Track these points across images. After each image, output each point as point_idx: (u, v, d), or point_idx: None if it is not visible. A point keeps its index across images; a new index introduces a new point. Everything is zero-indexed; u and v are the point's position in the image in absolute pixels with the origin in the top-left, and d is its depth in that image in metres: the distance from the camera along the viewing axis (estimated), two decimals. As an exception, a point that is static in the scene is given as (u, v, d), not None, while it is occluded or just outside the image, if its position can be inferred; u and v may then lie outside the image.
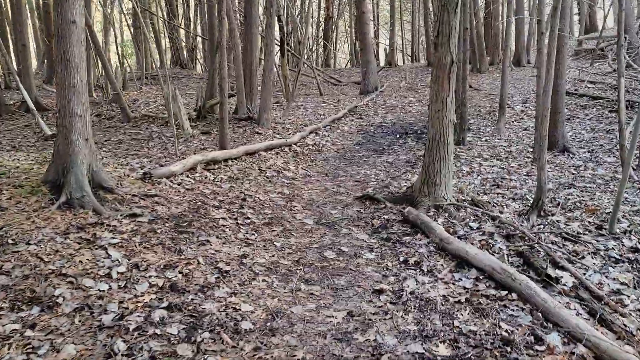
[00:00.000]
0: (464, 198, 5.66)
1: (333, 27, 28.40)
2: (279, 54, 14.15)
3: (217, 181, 6.18)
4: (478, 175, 6.92)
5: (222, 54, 6.87)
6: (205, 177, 6.18)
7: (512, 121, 11.17)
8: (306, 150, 8.70)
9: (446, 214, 5.21)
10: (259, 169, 7.02)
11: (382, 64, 27.01)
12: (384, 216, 5.31)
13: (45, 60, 17.22)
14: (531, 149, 8.19)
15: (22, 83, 12.81)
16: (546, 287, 3.62)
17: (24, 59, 12.36)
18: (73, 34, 4.60)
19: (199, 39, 24.33)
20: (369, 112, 12.57)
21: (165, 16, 23.22)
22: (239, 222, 5.05)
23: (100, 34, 17.53)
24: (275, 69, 15.63)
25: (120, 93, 11.24)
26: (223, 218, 5.04)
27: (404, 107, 13.09)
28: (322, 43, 26.55)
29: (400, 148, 9.16)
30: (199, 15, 22.53)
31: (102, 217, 4.48)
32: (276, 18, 13.74)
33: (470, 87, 14.59)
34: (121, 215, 4.55)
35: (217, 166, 6.76)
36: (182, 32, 25.07)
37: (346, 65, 30.28)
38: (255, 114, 10.24)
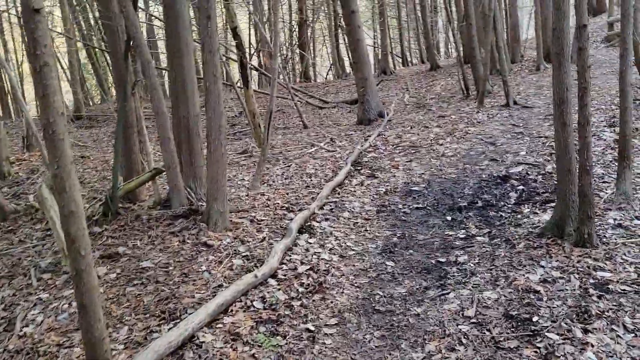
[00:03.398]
0: None
1: (309, 31, 24.23)
2: (240, 82, 9.93)
3: None
4: None
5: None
6: None
7: (609, 161, 7.04)
8: (297, 292, 4.41)
9: None
10: None
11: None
12: None
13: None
14: None
15: None
16: None
17: None
18: None
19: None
20: (383, 162, 8.32)
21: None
22: None
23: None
24: (239, 99, 11.39)
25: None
26: None
27: (431, 146, 8.86)
28: (297, 52, 22.32)
29: (468, 255, 4.93)
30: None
31: None
32: (231, 33, 9.48)
33: (516, 103, 10.49)
34: None
35: None
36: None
37: (327, 75, 26.03)
38: (201, 203, 5.98)
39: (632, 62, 5.47)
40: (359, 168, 8.08)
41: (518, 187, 6.62)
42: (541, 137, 8.39)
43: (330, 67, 24.57)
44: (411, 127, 10.29)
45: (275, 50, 7.26)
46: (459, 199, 6.51)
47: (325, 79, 24.97)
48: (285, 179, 7.93)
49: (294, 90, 14.58)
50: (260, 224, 5.90)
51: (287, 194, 7.04)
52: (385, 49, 19.67)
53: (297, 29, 22.65)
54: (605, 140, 7.86)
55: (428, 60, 19.92)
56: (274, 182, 7.77)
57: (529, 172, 7.07)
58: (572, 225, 4.85)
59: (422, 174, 7.57)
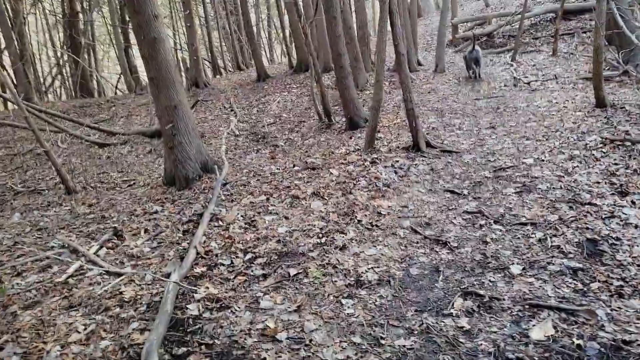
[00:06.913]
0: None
1: (88, 28, 18.10)
2: None
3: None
4: None
5: None
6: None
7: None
8: None
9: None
10: None
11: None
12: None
13: None
14: None
15: None
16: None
17: None
18: None
19: None
20: (237, 323, 3.63)
21: None
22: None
23: None
24: None
25: None
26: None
27: (324, 252, 4.41)
28: (68, 58, 16.07)
29: None
30: None
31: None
32: None
33: (430, 145, 6.71)
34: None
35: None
36: None
37: (116, 89, 19.91)
38: None
39: None
40: (180, 353, 3.27)
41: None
42: (521, 223, 4.54)
43: (120, 78, 18.61)
44: (268, 198, 5.71)
45: None
46: None
47: (115, 93, 18.92)
48: None
49: (47, 116, 8.97)
50: None
51: None
52: (196, 52, 14.66)
53: (66, 25, 16.32)
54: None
55: (252, 67, 15.55)
56: None
57: (582, 344, 3.10)
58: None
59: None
